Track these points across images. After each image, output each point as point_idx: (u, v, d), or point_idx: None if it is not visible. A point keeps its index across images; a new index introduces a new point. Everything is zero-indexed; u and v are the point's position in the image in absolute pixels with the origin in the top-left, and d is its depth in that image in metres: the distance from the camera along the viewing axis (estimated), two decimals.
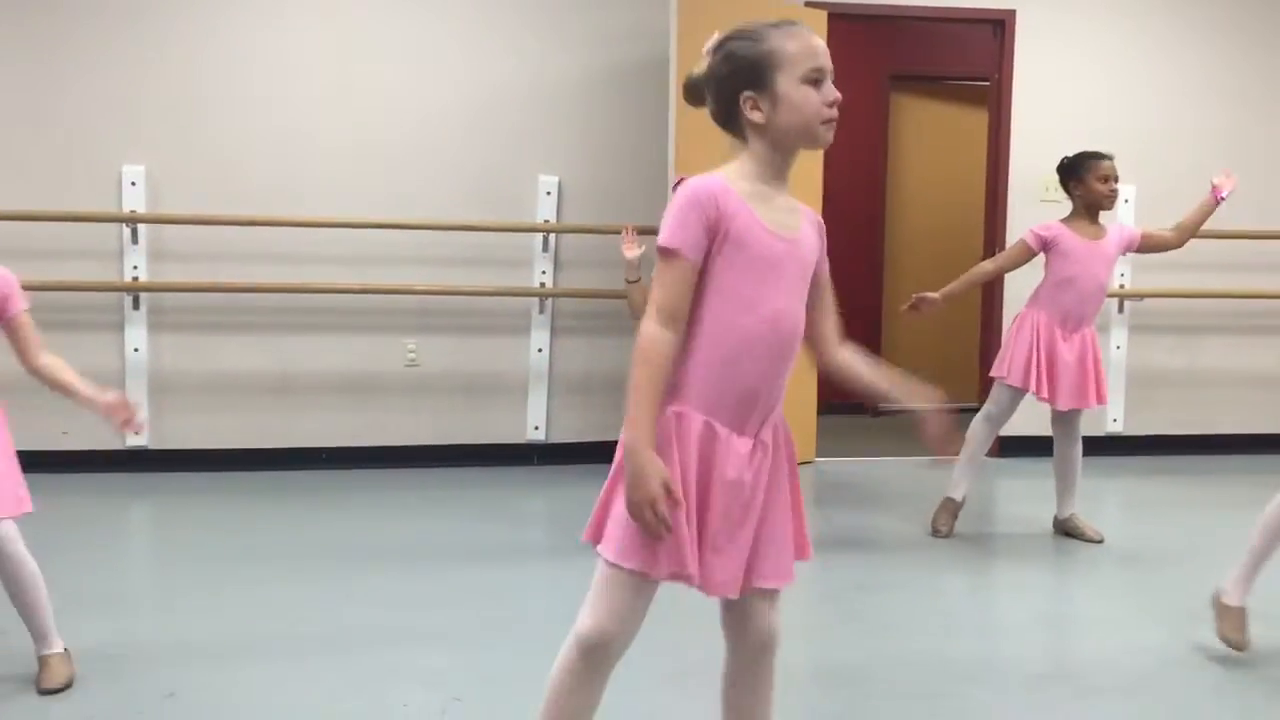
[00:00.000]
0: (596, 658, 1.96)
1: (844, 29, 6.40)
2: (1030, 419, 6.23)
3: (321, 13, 5.67)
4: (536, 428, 5.87)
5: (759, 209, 1.97)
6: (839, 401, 7.20)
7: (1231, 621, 3.20)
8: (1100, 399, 4.50)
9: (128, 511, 5.14)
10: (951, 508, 4.63)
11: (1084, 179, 4.52)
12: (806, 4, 5.93)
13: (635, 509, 1.86)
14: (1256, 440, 6.40)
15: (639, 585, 1.94)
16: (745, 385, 1.97)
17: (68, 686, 2.94)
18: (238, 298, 5.59)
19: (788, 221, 2.02)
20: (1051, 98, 6.27)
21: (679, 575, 1.93)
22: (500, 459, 5.81)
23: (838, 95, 1.98)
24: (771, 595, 2.08)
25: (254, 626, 3.46)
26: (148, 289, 5.51)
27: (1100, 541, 4.52)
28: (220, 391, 5.66)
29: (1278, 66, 6.40)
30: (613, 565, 1.93)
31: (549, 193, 5.82)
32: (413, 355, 5.82)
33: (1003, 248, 6.24)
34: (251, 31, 5.60)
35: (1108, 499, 5.78)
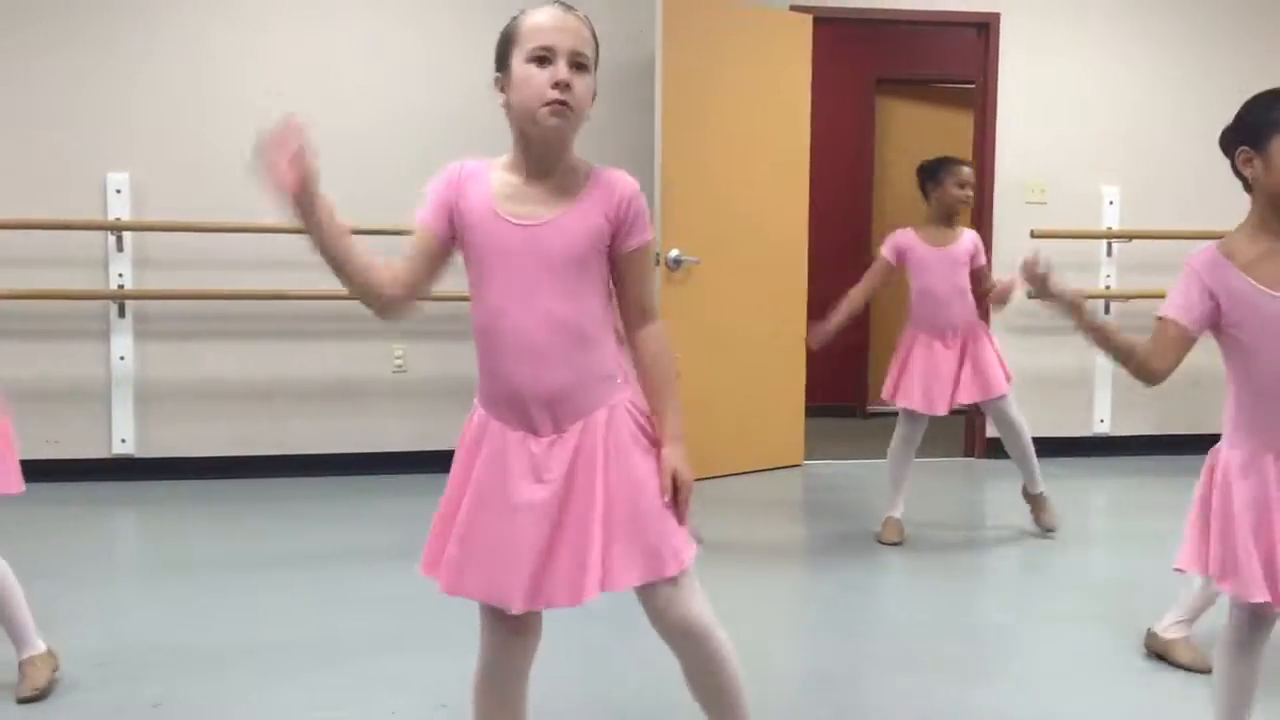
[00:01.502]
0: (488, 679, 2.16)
1: (829, 32, 6.42)
2: (1024, 419, 6.25)
3: (306, 20, 5.66)
4: None
5: (500, 195, 1.93)
6: (827, 404, 7.21)
7: (1185, 650, 3.19)
8: (999, 387, 4.44)
9: (114, 519, 5.12)
10: (894, 524, 4.56)
11: (942, 182, 4.55)
12: (792, 8, 5.95)
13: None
14: None
15: (482, 612, 2.06)
16: (507, 386, 1.94)
17: (51, 686, 2.91)
18: (224, 305, 5.57)
19: (537, 212, 1.92)
20: (1036, 100, 6.29)
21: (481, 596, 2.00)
22: None
23: (564, 76, 1.85)
24: (668, 585, 1.93)
25: (241, 634, 3.45)
26: (133, 297, 5.49)
27: (1051, 531, 4.60)
28: (207, 399, 5.64)
29: (1259, 69, 6.43)
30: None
31: None
32: (400, 361, 5.81)
33: (989, 248, 6.27)
34: (235, 39, 5.59)
35: (1094, 499, 5.80)
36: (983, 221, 6.33)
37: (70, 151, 5.46)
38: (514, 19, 1.94)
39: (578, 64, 1.89)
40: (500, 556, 1.94)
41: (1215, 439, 2.35)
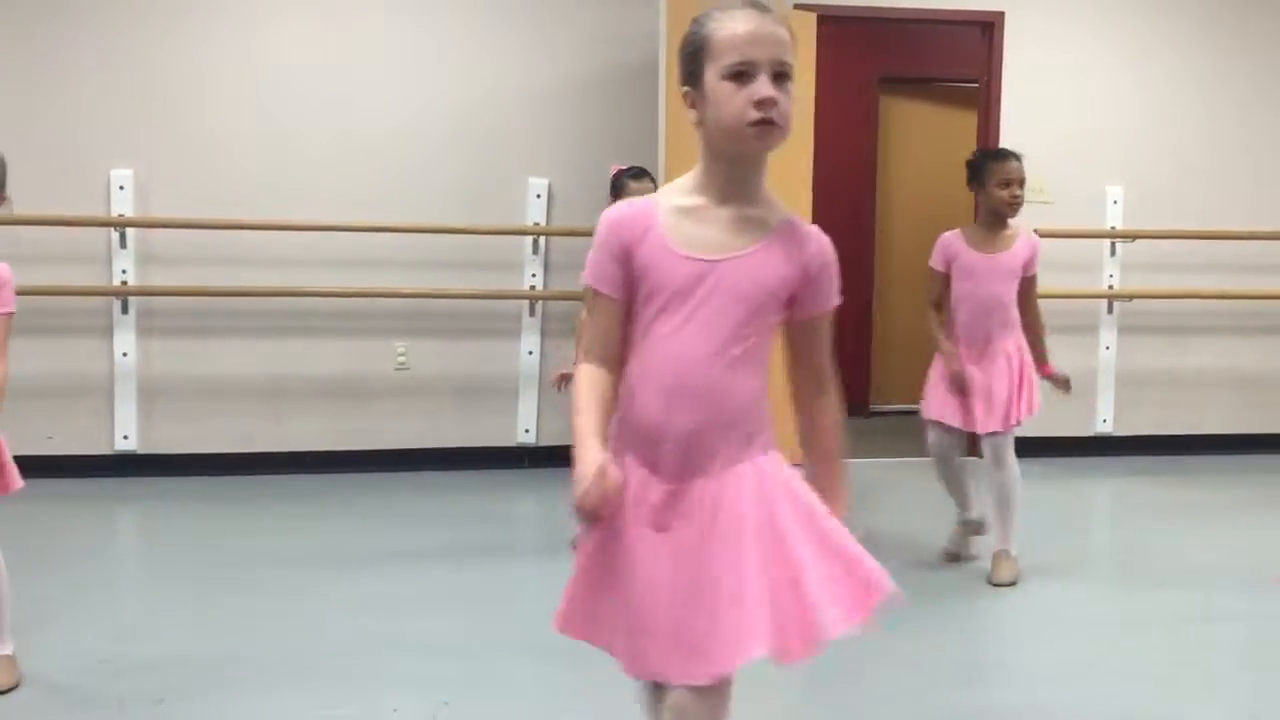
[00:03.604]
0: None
1: (833, 31, 6.40)
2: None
3: (311, 18, 5.66)
4: (527, 430, 5.86)
5: (677, 225, 1.73)
6: None
7: None
8: (1016, 419, 4.03)
9: (115, 517, 5.12)
10: (969, 529, 4.34)
11: (984, 183, 4.06)
12: (796, 6, 5.94)
13: (577, 503, 1.68)
14: (1244, 440, 6.42)
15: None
16: (646, 420, 1.75)
17: (13, 689, 2.92)
18: (226, 301, 5.57)
19: (722, 241, 1.73)
20: (1040, 99, 6.28)
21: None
22: (490, 462, 5.80)
23: (768, 94, 1.66)
24: (694, 690, 1.72)
25: (244, 632, 3.45)
26: (136, 293, 5.49)
27: (1011, 584, 4.02)
28: (209, 396, 5.64)
29: (1263, 68, 6.42)
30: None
31: (539, 196, 5.81)
32: (403, 358, 5.81)
33: None
34: (240, 36, 5.59)
35: (1097, 500, 5.80)
36: None
37: (74, 148, 5.46)
38: (702, 25, 1.75)
39: (779, 74, 1.69)
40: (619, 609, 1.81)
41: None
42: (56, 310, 5.43)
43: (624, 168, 4.23)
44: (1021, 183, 4.03)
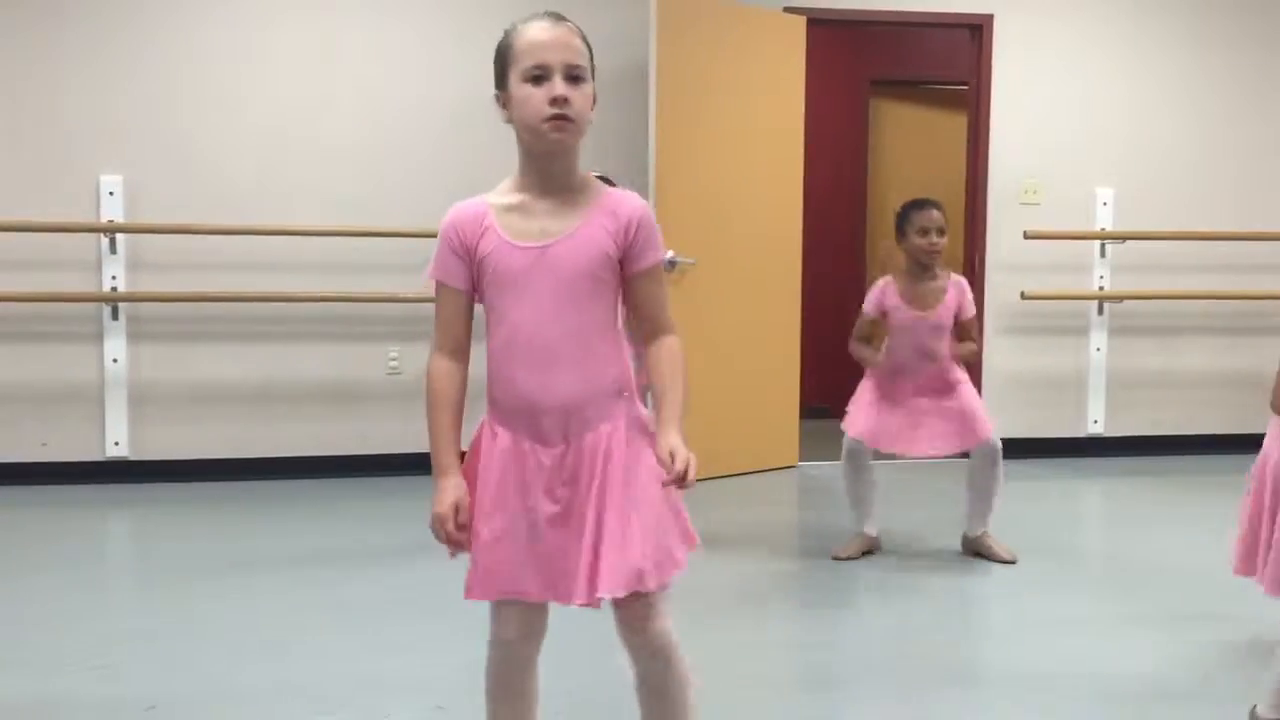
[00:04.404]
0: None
1: (823, 34, 6.42)
2: (1019, 420, 6.27)
3: (300, 22, 5.66)
4: None
5: (509, 221, 1.96)
6: (822, 405, 7.22)
7: None
8: (983, 433, 4.16)
9: (108, 522, 5.11)
10: (861, 543, 4.35)
11: (905, 233, 4.14)
12: (785, 9, 5.95)
13: (432, 526, 2.02)
14: (1236, 440, 6.44)
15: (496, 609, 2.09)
16: (519, 396, 2.00)
17: None
18: (217, 307, 5.56)
19: (547, 228, 1.96)
20: (1029, 101, 6.30)
21: (509, 593, 2.03)
22: None
23: (560, 92, 1.89)
24: (644, 602, 1.97)
25: (236, 637, 3.44)
26: (126, 299, 5.48)
27: (1013, 562, 4.23)
28: (201, 401, 5.63)
29: (1251, 70, 6.45)
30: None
31: None
32: (395, 363, 5.81)
33: (982, 251, 6.29)
34: (229, 42, 5.58)
35: (1089, 500, 5.81)
36: (976, 223, 6.34)
37: (63, 154, 5.45)
38: (506, 35, 1.97)
39: (573, 76, 1.93)
40: (520, 558, 2.01)
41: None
42: (47, 316, 5.42)
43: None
44: (940, 231, 4.10)
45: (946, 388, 4.21)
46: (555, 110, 1.89)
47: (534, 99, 1.90)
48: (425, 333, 5.78)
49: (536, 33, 1.92)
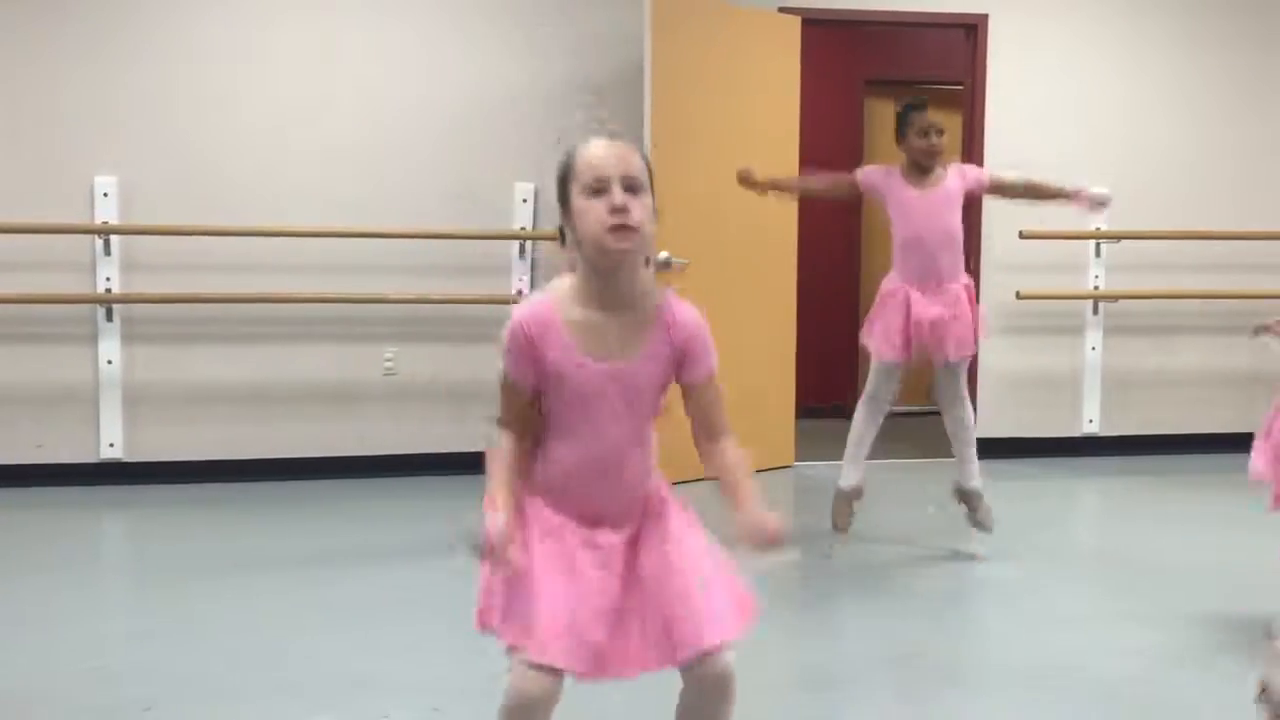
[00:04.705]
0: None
1: (818, 34, 6.42)
2: (1014, 420, 6.27)
3: (295, 24, 5.64)
4: None
5: (579, 339, 1.99)
6: (818, 405, 7.22)
7: None
8: (970, 346, 4.26)
9: (103, 524, 5.10)
10: (844, 499, 4.45)
11: (905, 136, 4.21)
12: (780, 9, 5.95)
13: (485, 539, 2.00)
14: (1231, 439, 6.43)
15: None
16: (584, 501, 2.04)
17: None
18: (212, 308, 5.55)
19: (617, 349, 2.01)
20: (1024, 101, 6.31)
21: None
22: (480, 467, 5.77)
23: (620, 201, 1.95)
24: (724, 644, 2.01)
25: (232, 638, 3.43)
26: (121, 300, 5.46)
27: (989, 531, 4.32)
28: (196, 403, 5.62)
29: (1247, 70, 6.46)
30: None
31: (525, 200, 5.81)
32: (390, 364, 5.80)
33: (977, 251, 6.28)
34: (224, 43, 5.57)
35: (1085, 500, 5.82)
36: (971, 222, 6.33)
37: (57, 155, 5.43)
38: (566, 155, 2.03)
39: (630, 187, 1.98)
40: (573, 623, 1.97)
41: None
42: (41, 318, 5.41)
43: None
44: (940, 131, 4.19)
45: (957, 294, 4.23)
46: (616, 219, 1.95)
47: (594, 210, 1.95)
48: (421, 333, 5.80)
49: (595, 149, 1.99)
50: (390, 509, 5.17)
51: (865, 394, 4.44)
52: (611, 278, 2.00)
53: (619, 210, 1.95)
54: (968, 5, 6.25)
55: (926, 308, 4.18)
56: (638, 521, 2.07)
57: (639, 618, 1.99)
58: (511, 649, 1.97)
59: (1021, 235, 6.14)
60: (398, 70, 5.74)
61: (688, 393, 2.10)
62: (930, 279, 4.21)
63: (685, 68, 5.46)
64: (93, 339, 5.49)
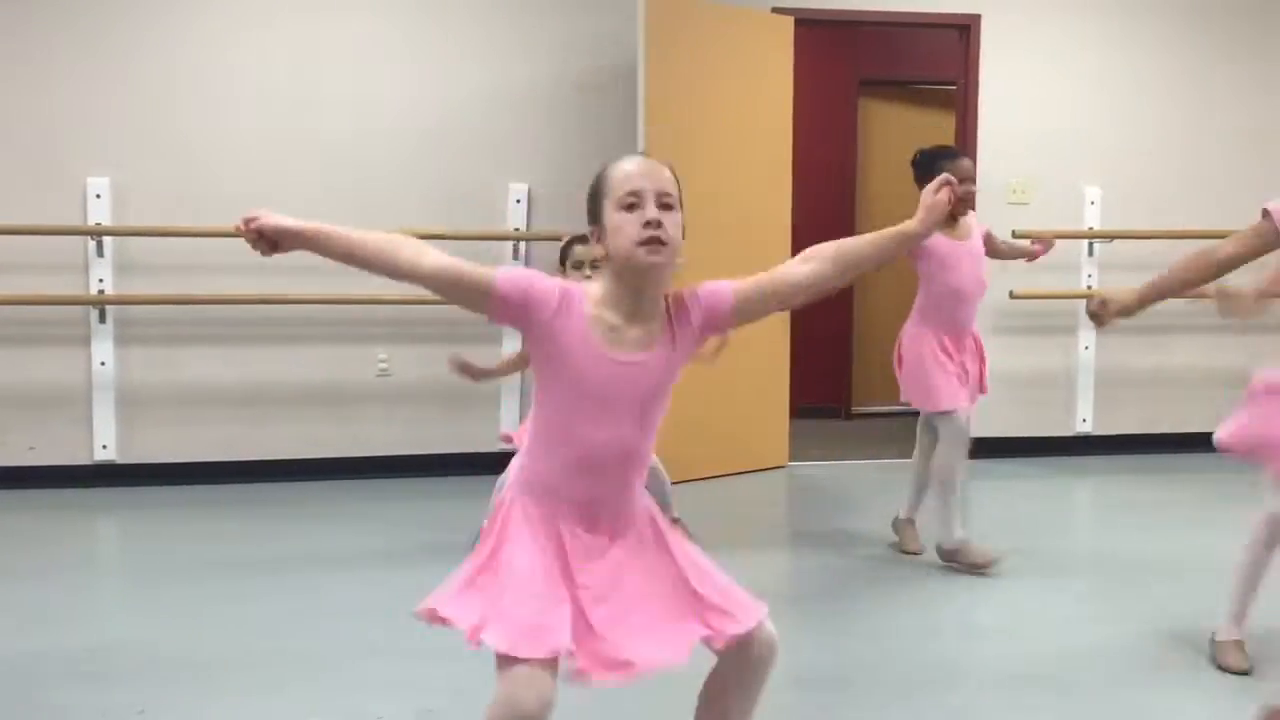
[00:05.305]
0: None
1: (812, 34, 6.43)
2: (1007, 420, 6.27)
3: (288, 25, 5.64)
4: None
5: (600, 331, 1.99)
6: (812, 405, 7.23)
7: (1232, 653, 3.14)
8: (982, 391, 4.34)
9: (97, 526, 5.09)
10: (949, 554, 4.21)
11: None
12: (774, 10, 5.96)
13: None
14: None
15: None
16: (563, 493, 2.03)
17: None
18: (205, 309, 5.54)
19: (633, 350, 2.02)
20: (1017, 101, 6.32)
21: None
22: (474, 467, 5.78)
23: (654, 215, 1.97)
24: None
25: (226, 640, 3.43)
26: (114, 302, 5.46)
27: (993, 566, 4.12)
28: (189, 404, 5.61)
29: (1239, 69, 6.47)
30: None
31: (519, 200, 5.81)
32: (384, 365, 5.80)
33: None
34: (217, 44, 5.56)
35: (1079, 499, 5.83)
36: None
37: (50, 156, 5.42)
38: (601, 172, 2.06)
39: (664, 204, 2.01)
40: (561, 618, 1.96)
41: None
42: (33, 320, 5.40)
43: (574, 236, 4.05)
44: (972, 179, 4.19)
45: (974, 340, 4.30)
46: (650, 233, 1.96)
47: (628, 224, 1.97)
48: (414, 335, 5.79)
49: (629, 165, 2.03)
50: (383, 510, 5.16)
51: (947, 451, 4.16)
52: (637, 292, 2.02)
53: (653, 224, 1.97)
54: (960, 5, 6.26)
55: (958, 354, 4.21)
56: (632, 525, 2.08)
57: (645, 612, 2.01)
58: (502, 660, 1.93)
59: (1014, 235, 6.13)
60: (390, 71, 5.73)
61: (748, 310, 2.18)
62: (958, 328, 4.22)
63: (678, 67, 5.46)
64: (86, 340, 5.48)
